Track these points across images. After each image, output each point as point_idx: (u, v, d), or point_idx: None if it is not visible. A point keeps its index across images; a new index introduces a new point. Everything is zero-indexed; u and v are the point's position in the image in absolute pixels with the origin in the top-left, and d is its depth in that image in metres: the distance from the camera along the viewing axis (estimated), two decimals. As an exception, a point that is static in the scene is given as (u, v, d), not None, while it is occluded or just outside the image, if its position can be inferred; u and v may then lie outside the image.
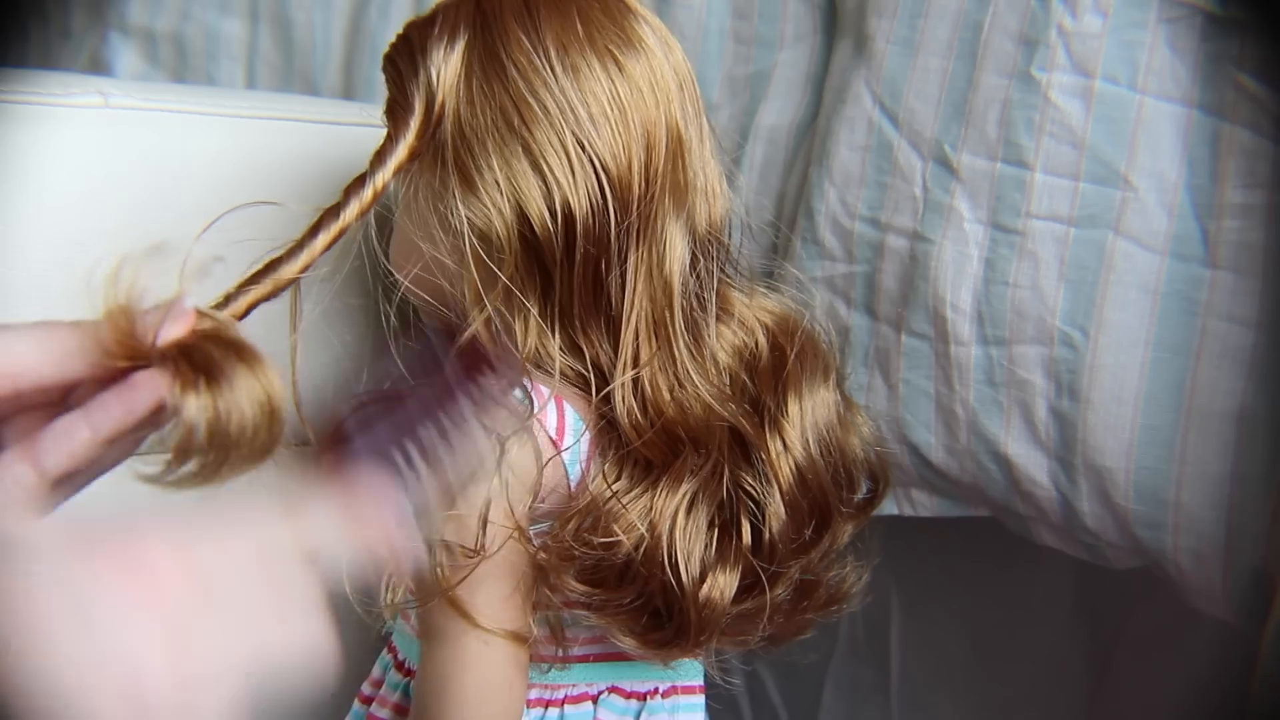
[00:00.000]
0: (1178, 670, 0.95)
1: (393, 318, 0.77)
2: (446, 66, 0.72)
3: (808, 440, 0.75)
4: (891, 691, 1.10)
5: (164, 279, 0.44)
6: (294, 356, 0.68)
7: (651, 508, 0.70)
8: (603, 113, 0.71)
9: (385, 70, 0.76)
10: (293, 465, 0.41)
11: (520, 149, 0.70)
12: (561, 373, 0.72)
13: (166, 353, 0.44)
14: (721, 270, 0.78)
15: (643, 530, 0.69)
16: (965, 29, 0.85)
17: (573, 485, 0.72)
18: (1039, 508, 0.85)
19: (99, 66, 1.26)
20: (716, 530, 0.72)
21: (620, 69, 0.72)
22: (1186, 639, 0.93)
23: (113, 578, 0.36)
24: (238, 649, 0.38)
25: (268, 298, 0.60)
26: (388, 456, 0.42)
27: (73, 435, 0.44)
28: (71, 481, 0.45)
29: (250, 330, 0.55)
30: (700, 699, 0.81)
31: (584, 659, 0.77)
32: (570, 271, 0.71)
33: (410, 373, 0.44)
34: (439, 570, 0.68)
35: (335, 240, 0.66)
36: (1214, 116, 0.78)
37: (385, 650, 0.82)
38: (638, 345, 0.72)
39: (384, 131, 0.73)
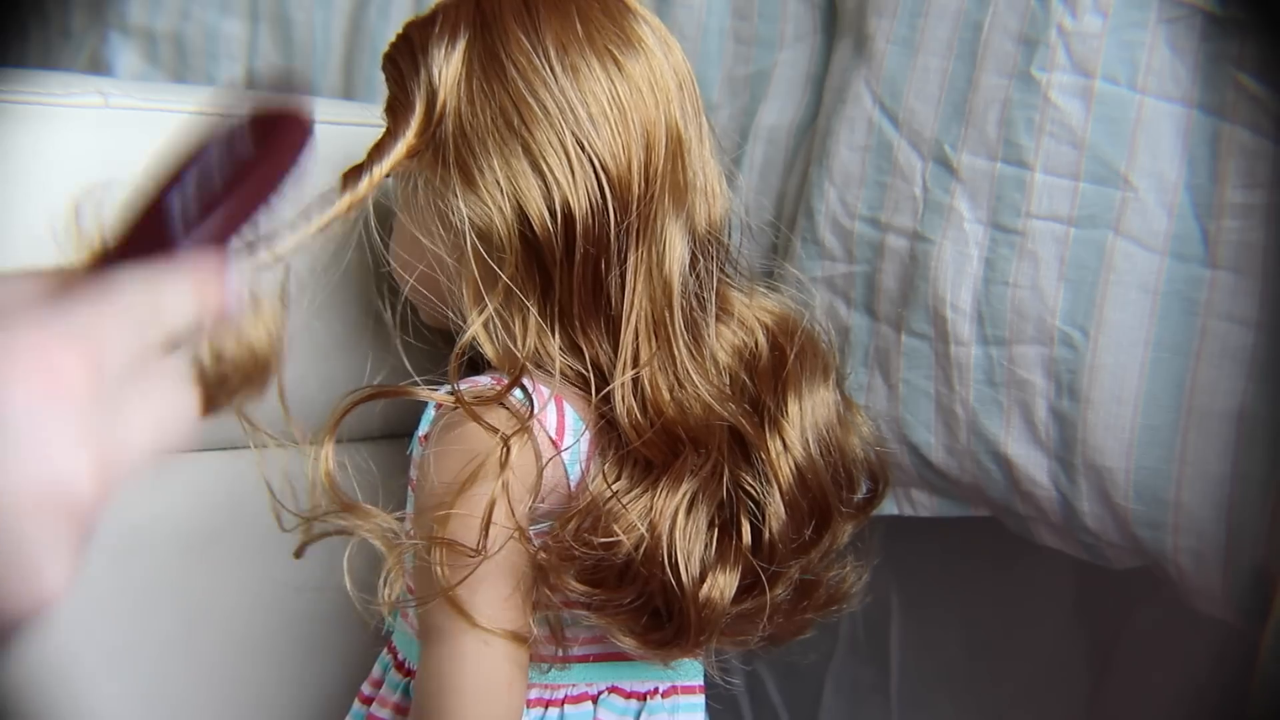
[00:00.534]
0: (1178, 670, 0.95)
1: (391, 313, 0.77)
2: (447, 66, 0.72)
3: (807, 440, 0.75)
4: (891, 691, 1.10)
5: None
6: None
7: (651, 508, 0.70)
8: (602, 113, 0.71)
9: (385, 69, 0.76)
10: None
11: (520, 149, 0.70)
12: (561, 372, 0.72)
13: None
14: (721, 270, 0.78)
15: (643, 530, 0.69)
16: (965, 29, 0.85)
17: (573, 485, 0.72)
18: (1039, 508, 0.85)
19: (99, 66, 1.26)
20: (716, 530, 0.72)
21: (620, 69, 0.72)
22: (1186, 639, 0.93)
23: (23, 377, 0.36)
24: (140, 435, 0.39)
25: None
26: (221, 241, 0.44)
27: None
28: None
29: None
30: (700, 699, 0.81)
31: (584, 659, 0.77)
32: (570, 271, 0.71)
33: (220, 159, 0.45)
34: (439, 570, 0.68)
35: (324, 227, 0.66)
36: (1214, 116, 0.78)
37: (385, 650, 0.82)
38: (637, 345, 0.72)
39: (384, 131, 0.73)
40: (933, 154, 0.86)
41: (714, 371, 0.75)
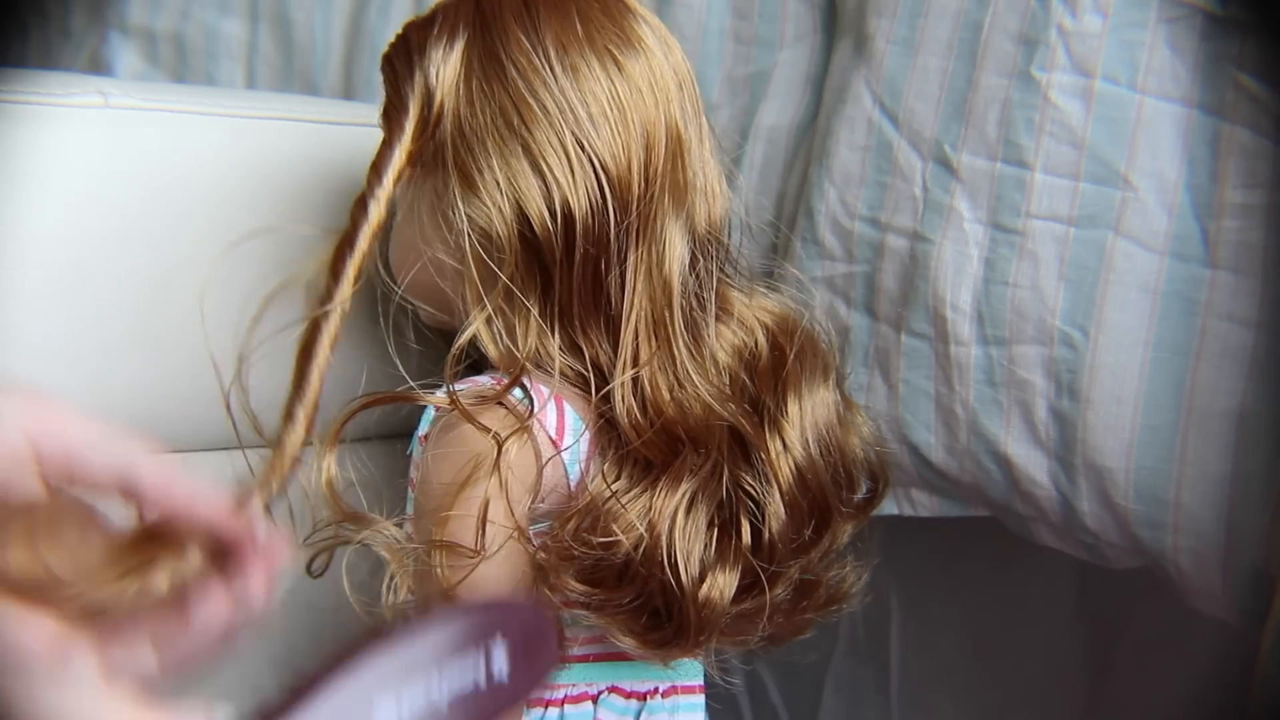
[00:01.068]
0: (1178, 670, 0.95)
1: (387, 319, 0.77)
2: (446, 66, 0.72)
3: (807, 440, 0.75)
4: (891, 691, 1.10)
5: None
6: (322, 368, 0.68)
7: (651, 507, 0.70)
8: (602, 113, 0.71)
9: (383, 71, 0.76)
10: None
11: (520, 149, 0.70)
12: (561, 372, 0.72)
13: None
14: (721, 270, 0.78)
15: (642, 530, 0.69)
16: (965, 29, 0.85)
17: (572, 485, 0.72)
18: (1039, 508, 0.85)
19: (99, 66, 1.26)
20: (716, 530, 0.72)
21: (620, 69, 0.72)
22: (1186, 639, 0.93)
23: None
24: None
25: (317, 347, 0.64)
26: None
27: None
28: None
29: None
30: (700, 699, 0.81)
31: (584, 659, 0.77)
32: (570, 271, 0.71)
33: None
34: (439, 570, 0.68)
35: (359, 270, 0.67)
36: (1214, 116, 0.78)
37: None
38: (637, 345, 0.72)
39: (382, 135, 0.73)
40: (933, 154, 0.86)
41: (714, 371, 0.75)
